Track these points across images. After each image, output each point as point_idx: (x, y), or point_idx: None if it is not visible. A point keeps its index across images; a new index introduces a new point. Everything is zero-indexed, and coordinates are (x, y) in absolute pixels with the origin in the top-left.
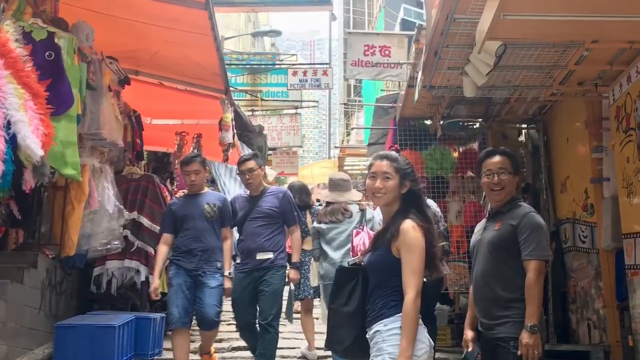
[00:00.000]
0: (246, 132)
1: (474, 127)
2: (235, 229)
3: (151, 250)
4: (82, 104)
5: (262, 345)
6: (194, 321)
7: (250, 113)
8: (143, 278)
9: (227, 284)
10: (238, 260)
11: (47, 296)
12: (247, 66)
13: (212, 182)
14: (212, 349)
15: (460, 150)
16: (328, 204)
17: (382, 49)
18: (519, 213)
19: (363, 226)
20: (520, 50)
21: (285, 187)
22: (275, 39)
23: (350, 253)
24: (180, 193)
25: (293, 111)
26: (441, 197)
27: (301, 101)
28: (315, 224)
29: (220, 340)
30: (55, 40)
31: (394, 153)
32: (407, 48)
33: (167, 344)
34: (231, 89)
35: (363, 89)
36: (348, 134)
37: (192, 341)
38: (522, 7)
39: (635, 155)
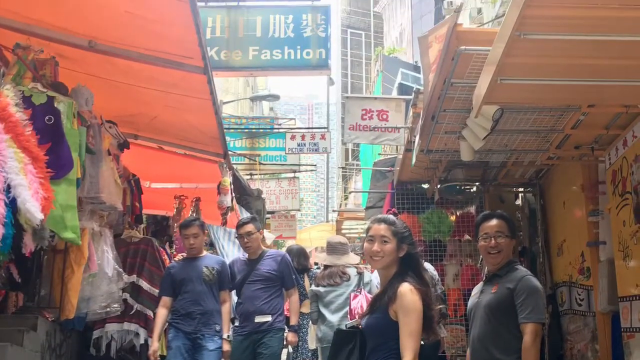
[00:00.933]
0: (245, 195)
1: (471, 190)
2: (233, 292)
3: (150, 313)
4: (81, 167)
5: None
6: None
7: (248, 177)
8: (142, 341)
9: (226, 347)
10: (237, 323)
11: (47, 359)
12: (246, 130)
13: (211, 246)
14: None
15: (458, 213)
16: (326, 267)
17: (380, 113)
18: (516, 276)
19: (361, 289)
20: (517, 114)
21: (283, 250)
22: (274, 103)
23: (348, 316)
24: (179, 256)
25: (291, 175)
26: (438, 260)
27: (299, 165)
28: (314, 287)
29: None
30: (55, 105)
31: (391, 217)
32: (405, 112)
33: None
34: (230, 153)
35: (361, 152)
36: (346, 198)
37: None
38: (519, 71)
39: (632, 219)
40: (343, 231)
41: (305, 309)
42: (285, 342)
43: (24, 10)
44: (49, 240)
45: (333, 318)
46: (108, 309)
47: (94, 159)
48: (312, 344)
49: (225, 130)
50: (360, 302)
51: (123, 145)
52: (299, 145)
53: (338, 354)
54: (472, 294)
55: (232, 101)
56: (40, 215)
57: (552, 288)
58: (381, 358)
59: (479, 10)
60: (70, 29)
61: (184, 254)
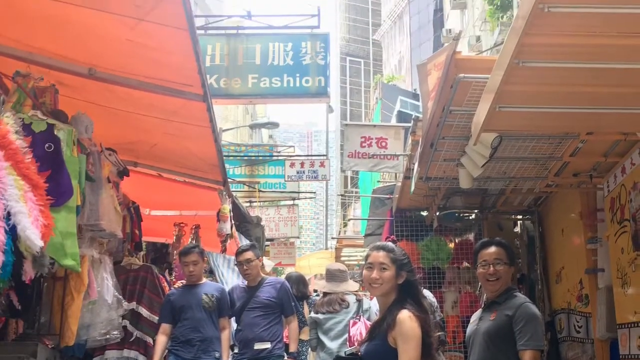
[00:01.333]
0: (244, 223)
1: (470, 218)
2: (233, 319)
3: (150, 340)
4: (81, 195)
5: None
6: None
7: (248, 204)
8: None
9: None
10: (236, 350)
11: None
12: (245, 158)
13: (210, 273)
14: None
15: (456, 241)
16: (325, 294)
17: (379, 140)
18: (515, 303)
19: (360, 316)
20: (515, 142)
21: (282, 277)
22: (273, 130)
23: (347, 343)
24: (179, 283)
25: (290, 202)
26: (437, 287)
27: (298, 192)
28: (313, 314)
29: None
30: (55, 132)
31: (390, 244)
32: (404, 140)
33: None
34: (229, 180)
35: (360, 180)
36: (345, 225)
37: None
38: (518, 99)
39: (630, 246)
40: (342, 258)
41: (305, 336)
42: None
43: (25, 38)
44: (49, 268)
45: (332, 345)
46: (108, 336)
47: (93, 186)
48: None
49: (224, 157)
50: (360, 329)
51: (123, 173)
52: (298, 172)
53: None
54: (471, 321)
55: (231, 129)
56: (40, 243)
57: (550, 315)
58: None
59: (478, 38)
60: (71, 57)
61: (184, 281)
